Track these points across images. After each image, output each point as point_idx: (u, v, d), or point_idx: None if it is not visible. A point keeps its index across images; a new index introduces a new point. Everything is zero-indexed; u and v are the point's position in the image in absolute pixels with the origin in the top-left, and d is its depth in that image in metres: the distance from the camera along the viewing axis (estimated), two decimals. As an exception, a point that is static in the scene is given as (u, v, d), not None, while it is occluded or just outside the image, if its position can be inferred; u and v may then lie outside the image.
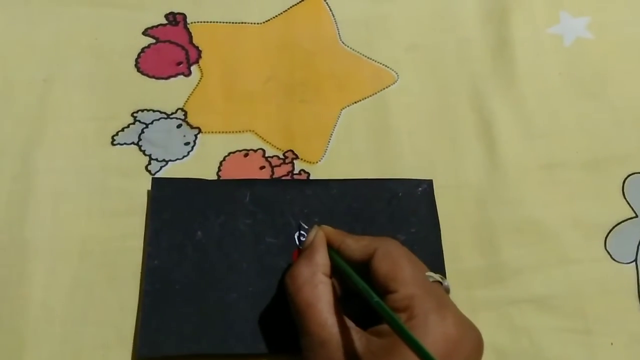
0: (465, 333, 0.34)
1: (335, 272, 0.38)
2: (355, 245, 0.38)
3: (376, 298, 0.34)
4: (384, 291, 0.35)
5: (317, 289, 0.36)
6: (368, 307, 0.34)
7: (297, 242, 0.42)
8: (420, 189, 0.44)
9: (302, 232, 0.42)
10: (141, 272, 0.41)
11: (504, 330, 0.42)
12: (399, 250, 0.37)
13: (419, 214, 0.44)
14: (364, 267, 0.37)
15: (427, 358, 0.29)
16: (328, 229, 0.39)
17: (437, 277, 0.37)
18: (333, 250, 0.38)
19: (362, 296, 0.34)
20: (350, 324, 0.35)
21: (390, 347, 0.33)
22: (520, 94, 0.49)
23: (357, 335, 0.34)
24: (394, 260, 0.36)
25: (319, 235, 0.39)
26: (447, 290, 0.38)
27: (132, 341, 0.40)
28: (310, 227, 0.40)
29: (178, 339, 0.39)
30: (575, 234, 0.45)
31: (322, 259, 0.37)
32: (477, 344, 0.35)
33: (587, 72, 0.51)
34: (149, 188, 0.43)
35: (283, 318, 0.39)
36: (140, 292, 0.40)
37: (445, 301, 0.35)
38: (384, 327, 0.34)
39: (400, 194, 0.44)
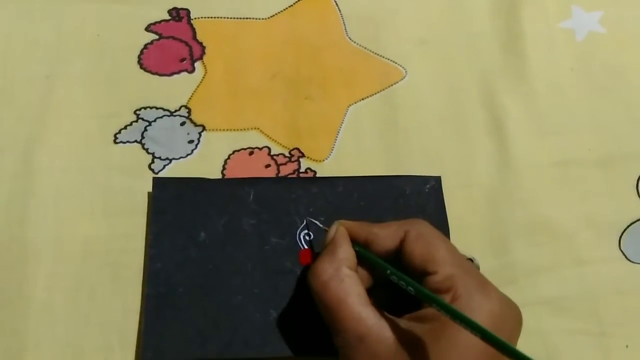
0: (508, 308, 0.34)
1: (362, 265, 0.36)
2: (383, 232, 0.36)
3: (414, 283, 0.33)
4: (422, 273, 0.34)
5: (344, 283, 0.34)
6: (400, 295, 0.33)
7: (301, 243, 0.41)
8: (428, 185, 0.43)
9: (307, 231, 0.41)
10: (144, 274, 0.40)
11: (517, 333, 0.41)
12: (431, 231, 0.36)
13: (427, 211, 0.43)
14: (392, 257, 0.36)
15: (482, 332, 0.29)
16: (350, 222, 0.37)
17: (468, 255, 0.37)
18: (357, 244, 0.37)
19: (396, 285, 0.33)
20: (385, 314, 0.34)
21: (437, 331, 0.32)
22: (532, 90, 0.48)
23: (397, 324, 0.33)
24: (428, 241, 0.35)
25: (339, 231, 0.37)
26: (478, 268, 0.37)
27: (135, 344, 0.39)
28: (325, 224, 0.39)
29: (182, 344, 0.38)
30: (588, 233, 0.44)
31: (345, 253, 0.36)
32: (519, 318, 0.34)
33: (600, 68, 0.50)
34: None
35: (290, 320, 0.38)
36: (143, 295, 0.40)
37: (483, 279, 0.35)
38: (426, 311, 0.33)
39: (407, 191, 0.43)
